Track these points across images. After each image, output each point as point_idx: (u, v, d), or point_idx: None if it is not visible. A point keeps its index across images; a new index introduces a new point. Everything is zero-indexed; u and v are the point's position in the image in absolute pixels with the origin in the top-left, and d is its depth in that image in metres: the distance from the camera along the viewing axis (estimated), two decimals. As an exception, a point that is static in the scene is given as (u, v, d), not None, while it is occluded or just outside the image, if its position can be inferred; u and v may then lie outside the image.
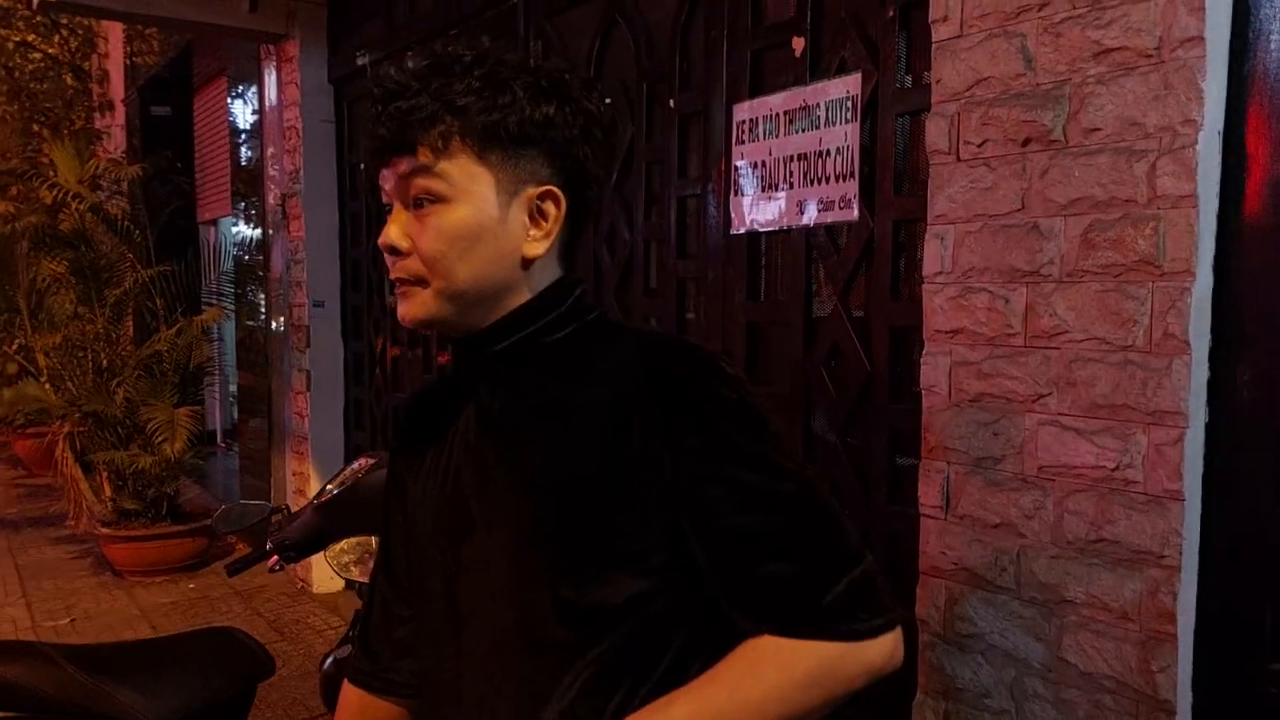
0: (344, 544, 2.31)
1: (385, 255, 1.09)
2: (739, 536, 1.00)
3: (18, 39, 9.85)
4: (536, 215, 1.08)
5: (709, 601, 1.04)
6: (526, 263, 1.09)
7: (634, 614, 1.03)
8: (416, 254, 1.06)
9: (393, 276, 1.09)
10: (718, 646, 1.02)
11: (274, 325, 5.70)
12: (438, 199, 1.04)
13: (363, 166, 4.92)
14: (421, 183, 1.04)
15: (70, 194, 5.79)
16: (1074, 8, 1.76)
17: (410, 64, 1.06)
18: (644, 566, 1.03)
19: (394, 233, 1.07)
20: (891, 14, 2.32)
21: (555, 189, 1.08)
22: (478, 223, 1.05)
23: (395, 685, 1.26)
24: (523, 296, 1.10)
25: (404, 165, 1.04)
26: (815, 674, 0.98)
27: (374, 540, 2.29)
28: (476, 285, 1.07)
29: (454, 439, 1.16)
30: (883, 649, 1.00)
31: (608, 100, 1.14)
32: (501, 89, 1.04)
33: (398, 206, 1.07)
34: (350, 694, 1.29)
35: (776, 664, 0.98)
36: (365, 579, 2.27)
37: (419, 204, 1.05)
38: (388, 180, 1.07)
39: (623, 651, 1.04)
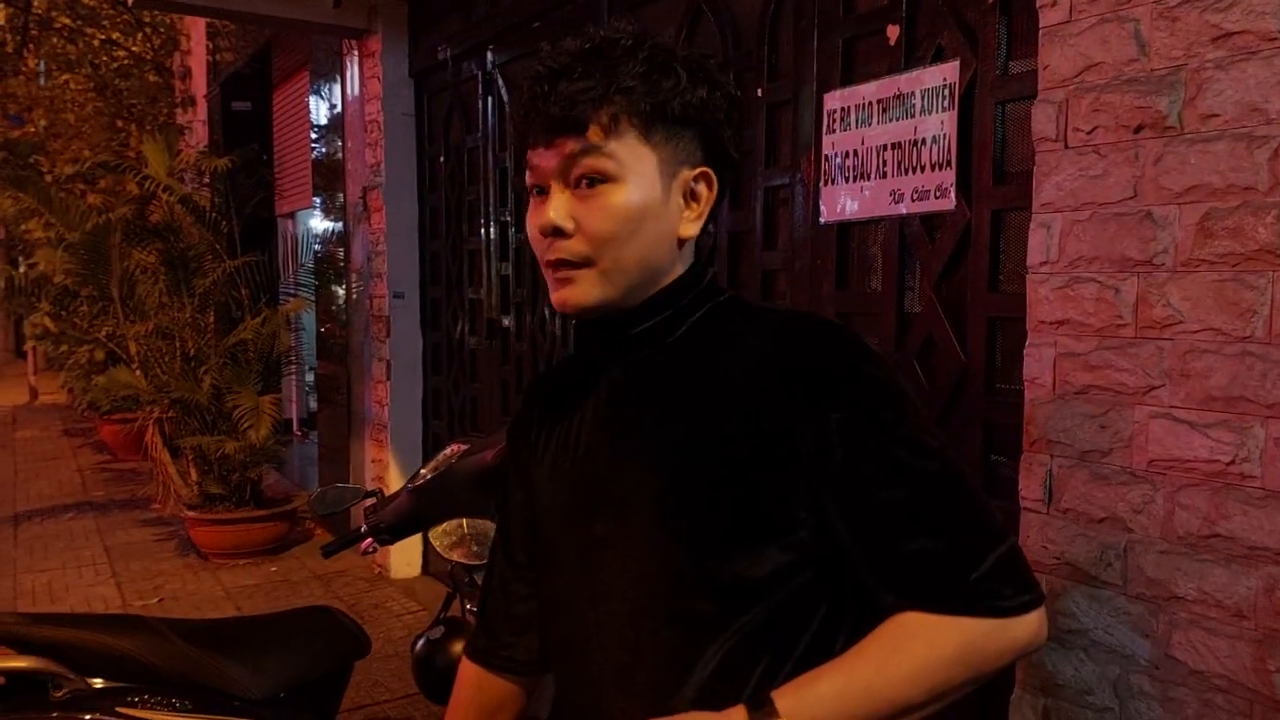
0: (446, 526, 2.34)
1: (538, 238, 1.08)
2: (885, 512, 1.00)
3: (103, 37, 10.13)
4: (689, 197, 1.10)
5: (853, 577, 1.04)
6: (681, 243, 1.11)
7: (777, 588, 1.04)
8: (581, 234, 1.05)
9: (550, 259, 1.08)
10: (861, 623, 1.03)
11: (354, 316, 5.80)
12: (606, 178, 1.04)
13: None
14: (590, 162, 1.04)
15: (160, 186, 5.94)
16: (1192, -9, 1.72)
17: (568, 45, 1.06)
18: (787, 540, 1.03)
19: (557, 213, 1.06)
20: (991, 0, 2.29)
21: (709, 170, 1.10)
22: (645, 203, 1.05)
23: (513, 662, 1.28)
24: (673, 277, 1.12)
25: (571, 145, 1.04)
26: (963, 650, 0.98)
27: (466, 523, 2.32)
28: (641, 265, 1.08)
29: (584, 417, 1.17)
30: (1029, 626, 1.00)
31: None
32: (666, 72, 1.05)
33: (556, 187, 1.06)
34: (468, 670, 1.31)
35: (924, 640, 0.98)
36: (465, 560, 2.29)
37: (585, 183, 1.05)
38: (547, 160, 1.06)
39: (766, 625, 1.04)
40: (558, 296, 1.09)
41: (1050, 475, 1.96)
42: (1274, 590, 1.61)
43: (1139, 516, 1.81)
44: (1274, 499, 1.61)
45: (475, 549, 2.29)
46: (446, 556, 2.33)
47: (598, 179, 1.04)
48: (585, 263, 1.06)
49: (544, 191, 1.08)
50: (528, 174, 1.09)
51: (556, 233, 1.06)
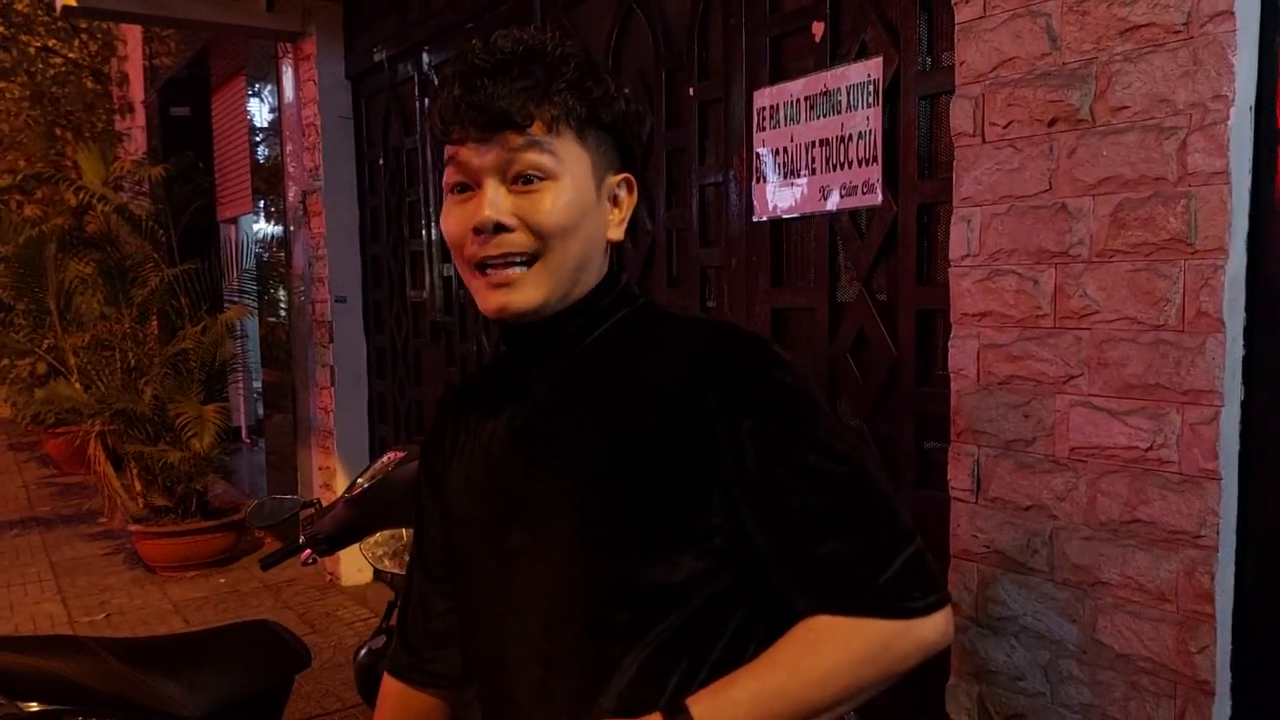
0: (378, 536, 2.33)
1: (465, 237, 1.05)
2: (797, 517, 1.02)
3: (39, 44, 9.93)
4: (613, 201, 1.11)
5: (765, 582, 1.05)
6: (608, 247, 1.12)
7: (694, 594, 1.04)
8: (525, 230, 1.04)
9: (491, 254, 1.05)
10: (773, 626, 1.04)
11: (297, 321, 5.74)
12: (547, 175, 1.04)
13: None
14: (532, 158, 1.03)
15: (96, 196, 5.84)
16: (1099, -15, 1.75)
17: (500, 43, 1.05)
18: (704, 547, 1.04)
19: (496, 209, 1.03)
20: (912, -4, 2.31)
21: (630, 176, 1.13)
22: (584, 201, 1.06)
23: (434, 676, 1.27)
24: (597, 280, 1.12)
25: (513, 140, 1.02)
26: (873, 651, 1.00)
27: (405, 532, 2.31)
28: (579, 264, 1.08)
29: (499, 426, 1.17)
30: (936, 626, 1.03)
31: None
32: (597, 79, 1.07)
33: (491, 183, 1.04)
34: (390, 686, 1.31)
35: (835, 642, 1.00)
36: (399, 570, 2.28)
37: (524, 180, 1.04)
38: (480, 155, 1.04)
39: (681, 632, 1.05)
40: (495, 300, 1.06)
41: (977, 465, 1.99)
42: (1194, 573, 1.65)
43: (1062, 504, 1.84)
44: (1191, 484, 1.65)
45: (409, 558, 2.27)
46: (379, 567, 2.31)
47: (537, 176, 1.03)
48: (530, 259, 1.05)
49: (467, 189, 1.06)
50: (450, 170, 1.07)
51: (498, 229, 1.03)
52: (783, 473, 1.02)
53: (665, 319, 1.14)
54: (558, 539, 1.08)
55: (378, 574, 5.20)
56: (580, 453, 1.08)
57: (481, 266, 1.06)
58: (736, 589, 1.06)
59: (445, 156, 1.07)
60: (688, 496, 1.03)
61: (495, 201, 1.03)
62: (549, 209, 1.03)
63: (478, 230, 1.04)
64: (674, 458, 1.03)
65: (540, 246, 1.04)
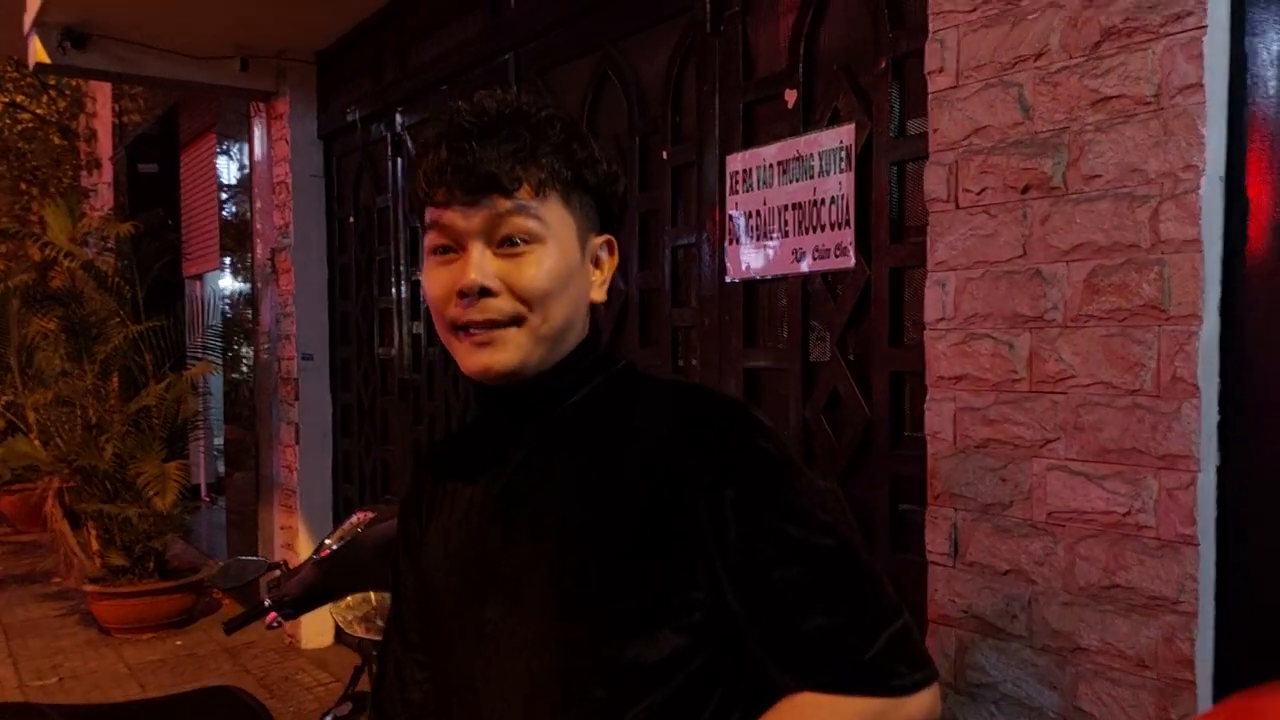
0: (349, 600, 2.28)
1: (449, 300, 1.04)
2: (780, 591, 0.99)
3: (6, 100, 9.89)
4: (595, 263, 1.12)
5: (747, 657, 1.03)
6: (590, 308, 1.12)
7: (674, 671, 1.02)
8: (509, 294, 1.03)
9: (475, 319, 1.04)
10: (753, 704, 1.02)
11: (262, 378, 5.68)
12: (534, 239, 1.03)
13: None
14: (520, 222, 1.03)
15: (62, 252, 5.78)
16: (1070, 57, 1.78)
17: (485, 104, 1.05)
18: (684, 622, 1.02)
19: (482, 273, 1.02)
20: (884, 65, 2.34)
21: (612, 238, 1.14)
22: (570, 264, 1.06)
23: None
24: (578, 341, 1.11)
25: (500, 204, 1.02)
26: None
27: (376, 596, 2.26)
28: (565, 326, 1.07)
29: (477, 492, 1.14)
30: (923, 704, 1.01)
31: None
32: (581, 142, 1.08)
33: (475, 246, 1.03)
34: None
35: None
36: (371, 635, 2.23)
37: (509, 243, 1.03)
38: (466, 219, 1.03)
39: (662, 709, 1.02)
40: (478, 361, 1.05)
41: (955, 528, 1.98)
42: (1173, 639, 1.64)
43: (1041, 568, 1.83)
44: (1169, 549, 1.65)
45: (381, 623, 2.22)
46: (350, 632, 2.26)
47: (524, 239, 1.03)
48: (512, 322, 1.04)
49: (450, 251, 1.05)
50: (433, 233, 1.06)
51: (483, 293, 1.02)
52: (765, 545, 1.00)
53: (645, 383, 1.13)
54: (536, 612, 1.05)
55: (340, 637, 5.10)
56: (560, 523, 1.06)
57: (464, 329, 1.05)
58: (717, 665, 1.04)
59: (428, 219, 1.06)
60: (670, 570, 1.01)
61: (481, 265, 1.02)
62: (535, 274, 1.03)
63: (462, 294, 1.03)
64: (655, 529, 1.01)
65: (524, 311, 1.03)
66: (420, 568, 1.21)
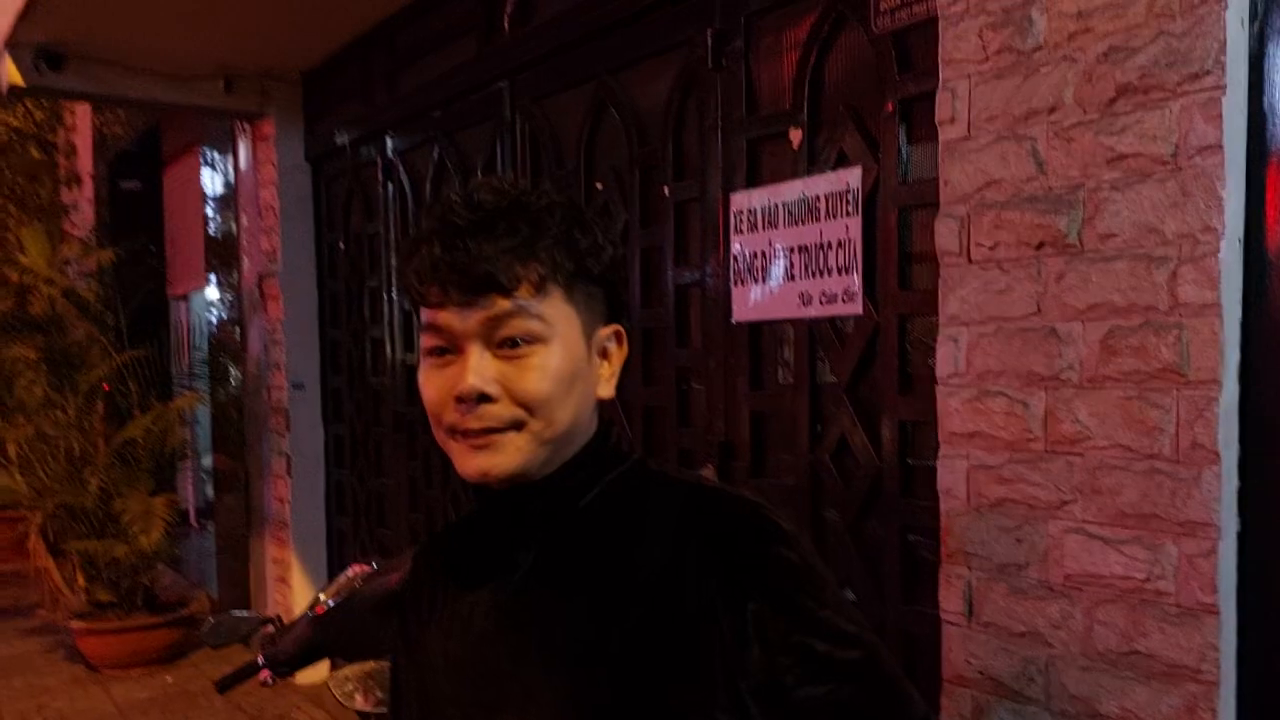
0: (347, 671, 2.23)
1: (447, 404, 0.99)
2: (806, 710, 0.95)
3: (-20, 113, 9.76)
4: (602, 355, 1.06)
5: None
6: (599, 404, 1.07)
7: None
8: (509, 398, 0.97)
9: (473, 427, 0.98)
10: None
11: (251, 405, 5.61)
12: (536, 339, 0.98)
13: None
14: (519, 323, 0.97)
15: (43, 278, 5.70)
16: (1085, 113, 1.76)
17: (480, 197, 1.00)
18: None
19: (480, 378, 0.97)
20: (891, 108, 2.32)
21: (620, 328, 1.08)
22: (574, 363, 1.01)
23: None
24: (586, 440, 1.06)
25: (499, 305, 0.96)
26: None
27: (375, 665, 2.22)
28: (571, 428, 1.02)
29: (483, 598, 1.08)
30: None
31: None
32: (584, 230, 1.03)
33: (474, 349, 0.98)
34: None
35: None
36: (371, 709, 2.18)
37: (510, 345, 0.98)
38: (463, 320, 0.97)
39: None
40: (476, 464, 0.99)
41: (969, 587, 1.96)
42: (1195, 709, 1.62)
43: (1059, 631, 1.81)
44: (1190, 616, 1.62)
45: (381, 694, 2.18)
46: (348, 705, 2.21)
47: (525, 340, 0.97)
48: (514, 426, 0.98)
49: (447, 352, 1.00)
50: (428, 334, 1.00)
51: (481, 399, 0.97)
52: (790, 663, 0.95)
53: (657, 483, 1.07)
54: None
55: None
56: (570, 638, 1.01)
57: (462, 433, 1.00)
58: None
59: (423, 319, 1.01)
60: (690, 691, 0.96)
61: (479, 369, 0.97)
62: (536, 378, 0.98)
63: (460, 399, 0.98)
64: (674, 649, 0.96)
65: (524, 415, 0.98)
66: (420, 671, 1.14)
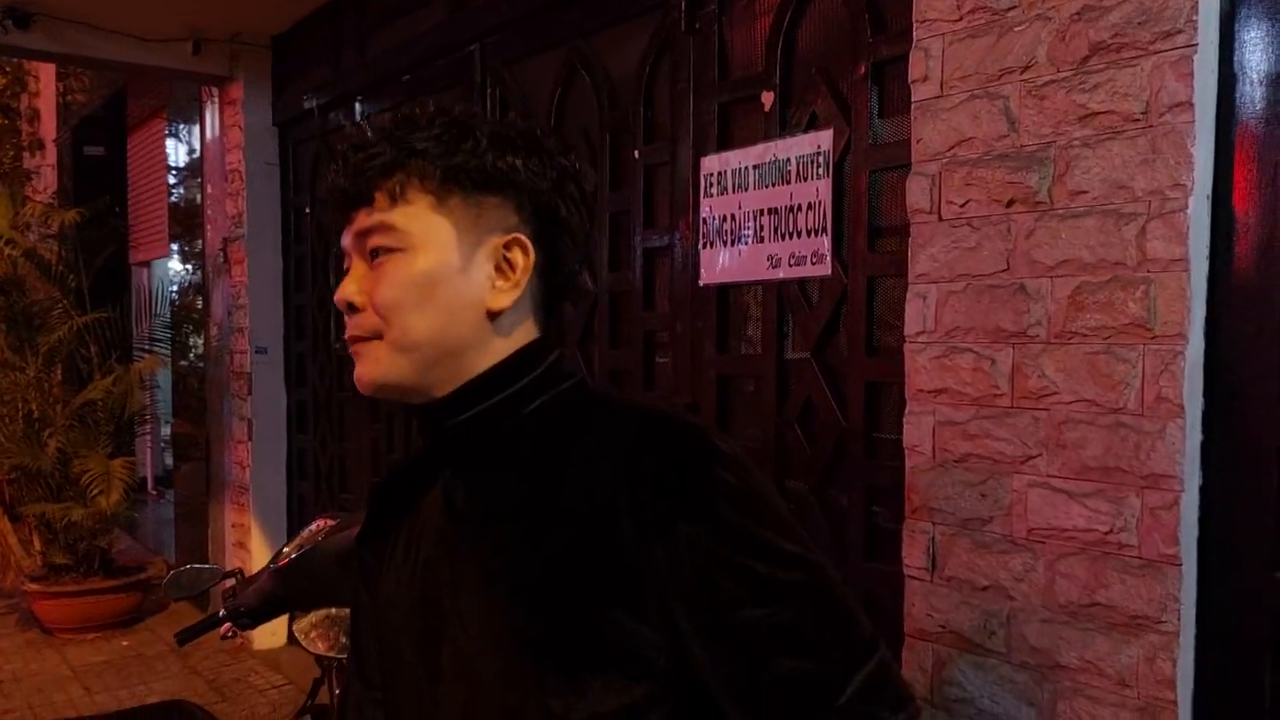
0: (311, 617, 2.22)
1: (346, 316, 1.03)
2: (745, 634, 0.92)
3: (-59, 75, 9.57)
4: (504, 265, 1.02)
5: (710, 707, 0.95)
6: (493, 316, 1.01)
7: None
8: (371, 307, 0.99)
9: (348, 336, 1.02)
10: None
11: (213, 371, 5.55)
12: (393, 250, 0.99)
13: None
14: (378, 233, 0.99)
15: (3, 239, 5.60)
16: (1058, 71, 1.77)
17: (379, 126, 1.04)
18: (640, 670, 0.94)
19: (349, 288, 1.01)
20: (863, 70, 2.32)
21: (523, 237, 1.02)
22: (434, 270, 0.99)
23: None
24: (491, 358, 1.02)
25: (362, 218, 1.00)
26: None
27: (338, 611, 2.20)
28: (434, 338, 0.99)
29: (425, 529, 1.07)
30: None
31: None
32: (464, 135, 1.00)
33: (356, 262, 1.02)
34: None
35: None
36: (333, 654, 2.17)
37: (375, 255, 1.00)
38: (347, 236, 1.03)
39: None
40: (356, 375, 1.02)
41: (933, 543, 1.97)
42: (1155, 659, 1.64)
43: (1021, 585, 1.82)
44: (1151, 568, 1.64)
45: (344, 640, 2.16)
46: (311, 649, 2.20)
47: (384, 250, 0.99)
48: (374, 335, 0.99)
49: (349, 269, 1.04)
50: (345, 254, 1.06)
51: (350, 308, 1.01)
52: (727, 584, 0.92)
53: (598, 406, 1.04)
54: (485, 662, 0.99)
55: (292, 637, 5.00)
56: (507, 566, 0.99)
57: (351, 342, 1.03)
58: (682, 716, 0.96)
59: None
60: (626, 616, 0.93)
61: (352, 281, 1.01)
62: (385, 286, 0.98)
63: (340, 308, 1.03)
64: (609, 573, 0.93)
65: (381, 324, 0.99)
66: (377, 605, 1.14)
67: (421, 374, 1.00)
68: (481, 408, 1.02)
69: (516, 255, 1.02)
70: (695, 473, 0.94)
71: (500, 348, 1.02)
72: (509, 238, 1.01)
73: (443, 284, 0.99)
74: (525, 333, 1.04)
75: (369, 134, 1.02)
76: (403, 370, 1.00)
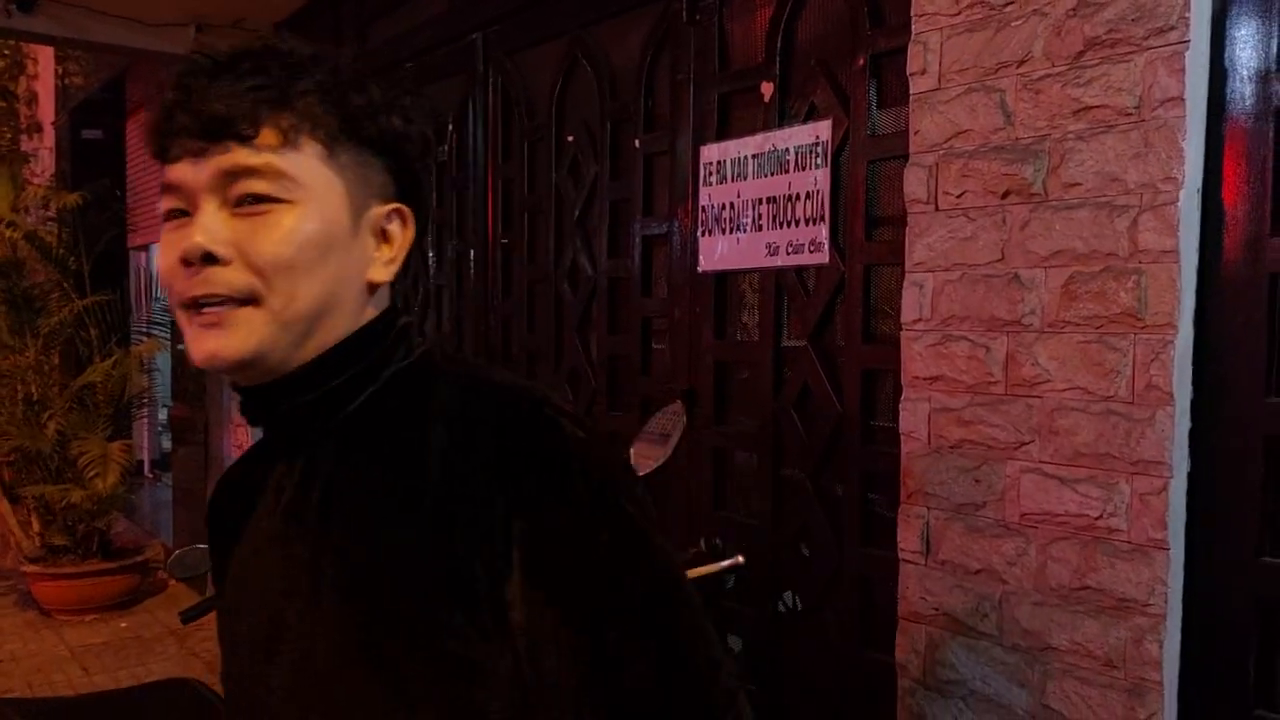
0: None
1: (176, 271, 0.86)
2: (575, 647, 0.82)
3: (-61, 59, 9.56)
4: (381, 236, 0.93)
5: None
6: (372, 289, 0.93)
7: None
8: (243, 263, 0.84)
9: (198, 294, 0.84)
10: None
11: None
12: (281, 199, 0.85)
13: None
14: (260, 177, 0.84)
15: (4, 222, 5.62)
16: (1053, 65, 1.80)
17: (228, 49, 0.88)
18: (489, 681, 0.83)
19: (208, 235, 0.83)
20: (862, 63, 2.35)
21: (405, 208, 0.94)
22: (329, 232, 0.87)
23: None
24: (353, 329, 0.91)
25: (236, 153, 0.84)
26: None
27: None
28: (318, 310, 0.87)
29: (259, 531, 0.96)
30: None
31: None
32: (357, 87, 0.89)
33: (208, 205, 0.85)
34: None
35: None
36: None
37: (249, 202, 0.84)
38: (198, 172, 0.85)
39: None
40: (204, 346, 0.85)
41: (927, 527, 2.01)
42: (1142, 641, 1.68)
43: (1013, 568, 1.86)
44: (1140, 552, 1.68)
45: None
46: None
47: (269, 198, 0.84)
48: (248, 300, 0.84)
49: (185, 215, 0.86)
50: (166, 195, 0.87)
51: (208, 259, 0.83)
52: (559, 588, 0.81)
53: (443, 379, 0.92)
54: (323, 671, 0.88)
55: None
56: (341, 569, 0.88)
57: (193, 306, 0.85)
58: None
59: (162, 180, 0.88)
60: (467, 619, 0.82)
61: (209, 227, 0.84)
62: (278, 240, 0.84)
63: (185, 260, 0.84)
64: (446, 571, 0.82)
65: (260, 286, 0.84)
66: (222, 612, 1.03)
67: (292, 350, 0.88)
68: (332, 385, 0.91)
69: (395, 226, 0.94)
70: (535, 457, 0.84)
71: (354, 319, 0.92)
72: (391, 207, 0.93)
73: (335, 249, 0.87)
74: (385, 299, 0.96)
75: (230, 57, 0.86)
76: (279, 343, 0.87)
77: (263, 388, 0.91)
